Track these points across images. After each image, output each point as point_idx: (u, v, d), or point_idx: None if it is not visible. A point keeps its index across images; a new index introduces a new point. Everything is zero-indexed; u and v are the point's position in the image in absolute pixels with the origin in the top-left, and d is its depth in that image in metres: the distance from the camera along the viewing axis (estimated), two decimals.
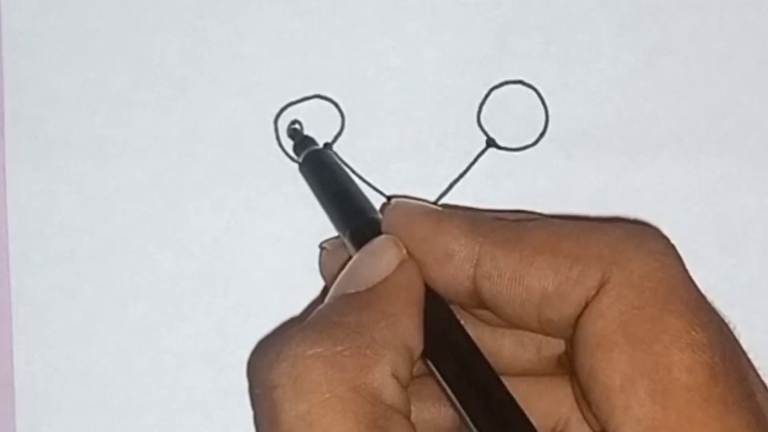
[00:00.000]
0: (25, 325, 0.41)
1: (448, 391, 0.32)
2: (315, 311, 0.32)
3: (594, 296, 0.30)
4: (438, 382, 0.32)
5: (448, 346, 0.32)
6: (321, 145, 0.41)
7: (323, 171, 0.40)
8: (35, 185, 0.41)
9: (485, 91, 0.42)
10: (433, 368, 0.32)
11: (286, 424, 0.29)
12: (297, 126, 0.41)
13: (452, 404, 0.32)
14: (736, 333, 0.31)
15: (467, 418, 0.31)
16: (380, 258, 0.33)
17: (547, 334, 0.32)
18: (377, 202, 0.41)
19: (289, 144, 0.41)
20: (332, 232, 0.39)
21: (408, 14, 0.42)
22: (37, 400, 0.41)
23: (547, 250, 0.31)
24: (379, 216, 0.36)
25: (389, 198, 0.41)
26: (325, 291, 0.36)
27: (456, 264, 0.32)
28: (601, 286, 0.30)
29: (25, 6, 0.41)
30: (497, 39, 0.42)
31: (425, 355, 0.32)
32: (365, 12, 0.42)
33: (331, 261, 0.37)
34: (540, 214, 0.36)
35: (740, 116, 0.42)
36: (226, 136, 0.42)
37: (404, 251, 0.33)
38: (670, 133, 0.42)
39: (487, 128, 0.42)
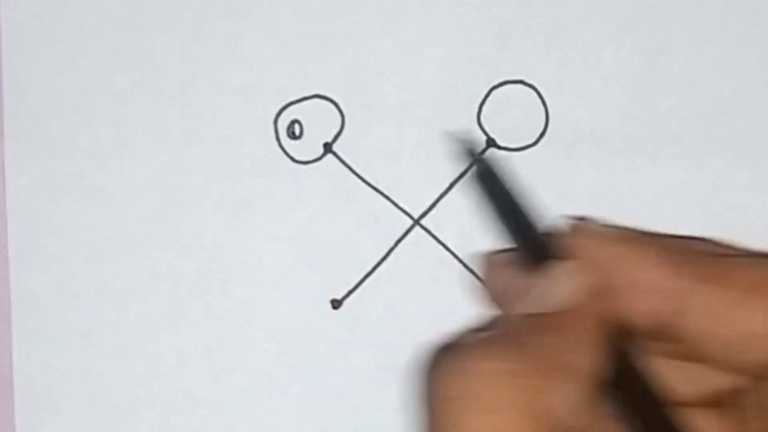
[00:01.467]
0: (25, 325, 0.41)
1: (631, 423, 0.32)
2: (494, 327, 0.31)
3: None
4: (618, 413, 0.32)
5: (628, 378, 0.32)
6: (321, 145, 0.41)
7: (502, 185, 0.37)
8: (35, 185, 0.41)
9: (485, 91, 0.42)
10: (616, 400, 0.32)
11: None
12: (468, 137, 0.40)
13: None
14: None
15: None
16: (566, 283, 0.32)
17: (736, 372, 0.32)
18: (378, 202, 0.41)
19: (289, 144, 0.41)
20: (332, 232, 0.39)
21: (408, 14, 0.42)
22: (37, 400, 0.41)
23: (758, 291, 0.31)
24: (559, 237, 0.35)
25: (569, 219, 0.39)
26: (490, 306, 0.36)
27: (648, 295, 0.32)
28: None
29: (25, 6, 0.41)
30: (497, 39, 0.42)
31: (606, 384, 0.32)
32: (365, 12, 0.42)
33: (497, 276, 0.36)
34: (723, 244, 0.37)
35: (740, 116, 0.42)
36: (226, 136, 0.42)
37: (591, 278, 0.32)
38: (670, 133, 0.42)
39: (487, 128, 0.42)
